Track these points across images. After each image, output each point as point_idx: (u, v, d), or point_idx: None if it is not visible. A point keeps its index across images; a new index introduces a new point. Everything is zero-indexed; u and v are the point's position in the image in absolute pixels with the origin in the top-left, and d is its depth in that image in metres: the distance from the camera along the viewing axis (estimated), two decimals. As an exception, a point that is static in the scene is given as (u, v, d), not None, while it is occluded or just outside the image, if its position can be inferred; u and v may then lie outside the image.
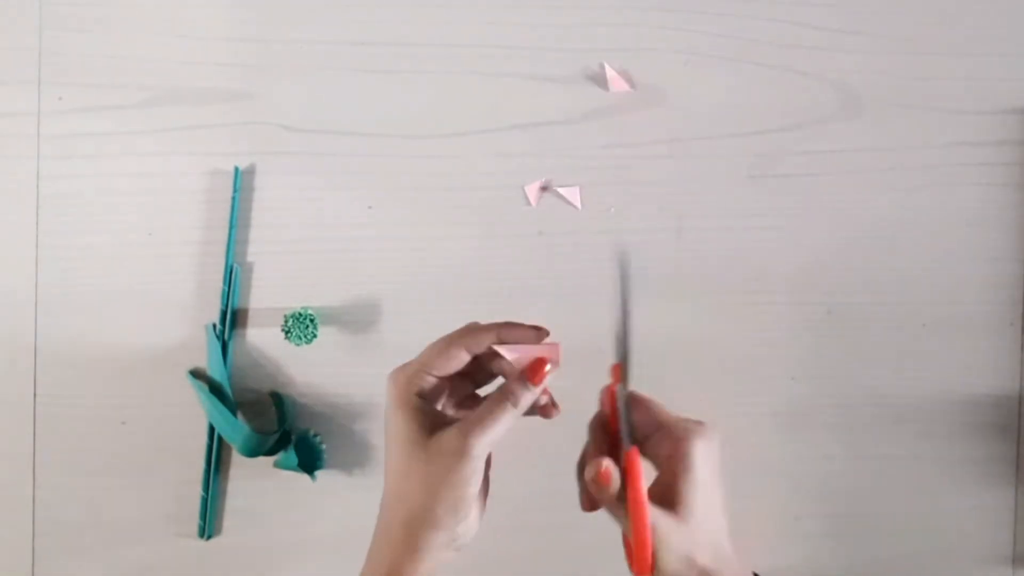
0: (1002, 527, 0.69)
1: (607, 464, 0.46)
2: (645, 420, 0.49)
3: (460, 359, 0.48)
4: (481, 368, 0.50)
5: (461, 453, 0.45)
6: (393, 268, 0.67)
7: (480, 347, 0.48)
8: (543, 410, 0.49)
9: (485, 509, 0.49)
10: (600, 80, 0.67)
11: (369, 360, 0.67)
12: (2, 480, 0.66)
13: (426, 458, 0.46)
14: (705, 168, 0.68)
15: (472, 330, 0.48)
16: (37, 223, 0.66)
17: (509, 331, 0.48)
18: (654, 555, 0.45)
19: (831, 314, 0.68)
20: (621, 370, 0.49)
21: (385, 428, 0.49)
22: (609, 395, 0.50)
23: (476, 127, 0.67)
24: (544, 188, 0.67)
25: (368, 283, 0.67)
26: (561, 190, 0.67)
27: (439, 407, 0.50)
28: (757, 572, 0.52)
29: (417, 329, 0.66)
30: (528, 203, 0.67)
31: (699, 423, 0.49)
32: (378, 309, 0.67)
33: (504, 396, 0.46)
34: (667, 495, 0.47)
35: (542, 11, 0.67)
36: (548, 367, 0.47)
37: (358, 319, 0.67)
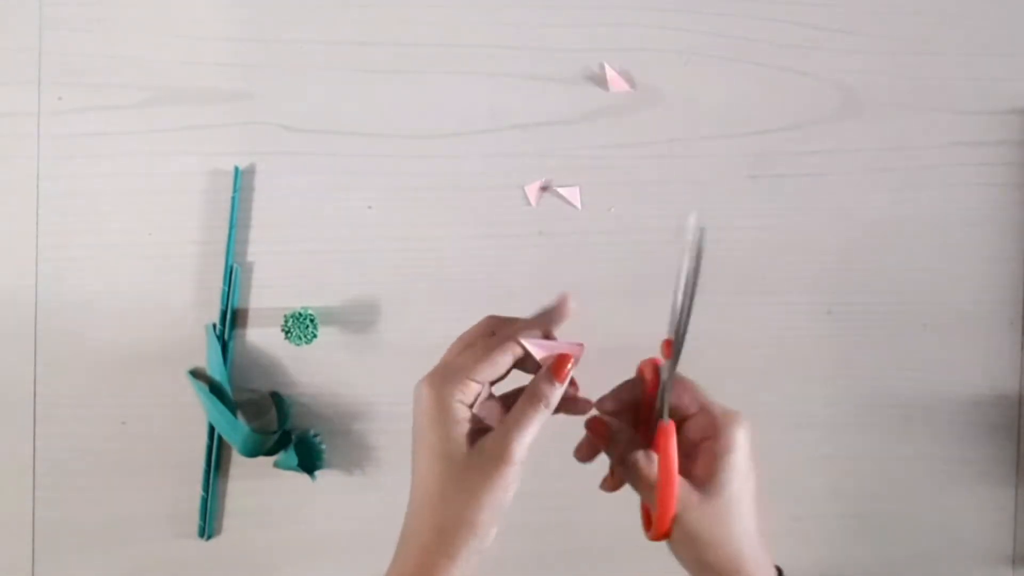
0: (1002, 527, 0.69)
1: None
2: (687, 401, 0.49)
3: (506, 365, 0.47)
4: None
5: (505, 459, 0.45)
6: (393, 268, 0.67)
7: (521, 351, 0.48)
8: (575, 405, 0.49)
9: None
10: (600, 80, 0.67)
11: (369, 360, 0.67)
12: (2, 480, 0.66)
13: (467, 465, 0.45)
14: (705, 168, 0.68)
15: (513, 336, 0.47)
16: (37, 223, 0.66)
17: (547, 323, 0.48)
18: (675, 521, 0.46)
19: (831, 314, 0.68)
20: (672, 346, 0.49)
21: (419, 436, 0.47)
22: (652, 367, 0.50)
23: (476, 127, 0.67)
24: (544, 188, 0.67)
25: (368, 283, 0.67)
26: (561, 190, 0.67)
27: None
28: (779, 566, 0.52)
29: (417, 329, 0.66)
30: (528, 203, 0.67)
31: (740, 413, 0.49)
32: (378, 309, 0.67)
33: (536, 398, 0.46)
34: (702, 474, 0.47)
35: (542, 11, 0.67)
36: (570, 364, 0.47)
37: (358, 319, 0.67)
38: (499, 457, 0.45)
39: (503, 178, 0.67)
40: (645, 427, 0.50)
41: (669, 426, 0.47)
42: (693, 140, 0.68)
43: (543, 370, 0.47)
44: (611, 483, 0.51)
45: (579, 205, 0.67)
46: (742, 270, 0.68)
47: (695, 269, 0.48)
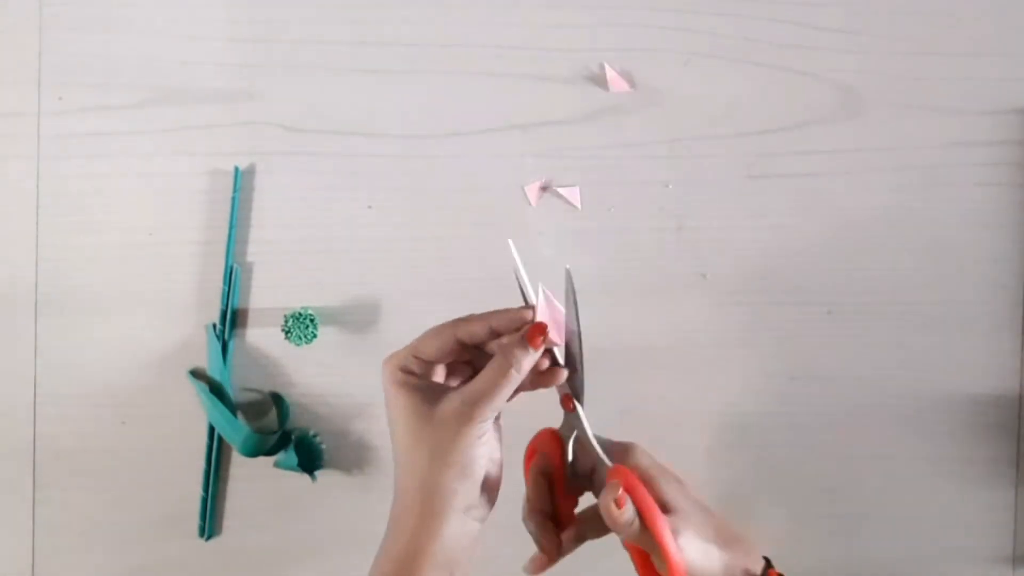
0: (1002, 527, 0.69)
1: (623, 491, 0.47)
2: (580, 458, 0.51)
3: (450, 346, 0.48)
4: (481, 355, 0.50)
5: (466, 416, 0.46)
6: (393, 268, 0.67)
7: (471, 336, 0.48)
8: (546, 376, 0.49)
9: (501, 480, 0.50)
10: (600, 80, 0.67)
11: (369, 360, 0.66)
12: (2, 480, 0.66)
13: (431, 426, 0.46)
14: (705, 168, 0.68)
15: (464, 320, 0.49)
16: (37, 223, 0.66)
17: (499, 317, 0.48)
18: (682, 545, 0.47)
19: (831, 314, 0.68)
20: (571, 398, 0.50)
21: (387, 412, 0.49)
22: (550, 439, 0.51)
23: (476, 127, 0.67)
24: (544, 188, 0.67)
25: (368, 283, 0.67)
26: (561, 190, 0.67)
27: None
28: (767, 557, 0.52)
29: (417, 329, 0.66)
30: (528, 203, 0.67)
31: (621, 443, 0.52)
32: (378, 309, 0.67)
33: (507, 362, 0.47)
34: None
35: (543, 11, 0.67)
36: (544, 336, 0.47)
37: (358, 319, 0.67)
38: (461, 414, 0.46)
39: (503, 178, 0.67)
40: (564, 500, 0.51)
41: (618, 467, 0.49)
42: (693, 140, 0.68)
43: (518, 335, 0.47)
44: (541, 562, 0.51)
45: (579, 205, 0.67)
46: (742, 270, 0.68)
47: (576, 316, 0.49)
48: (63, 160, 0.66)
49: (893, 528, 0.69)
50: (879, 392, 0.68)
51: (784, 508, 0.68)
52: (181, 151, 0.66)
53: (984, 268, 0.69)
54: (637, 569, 0.51)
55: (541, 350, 0.47)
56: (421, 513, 0.46)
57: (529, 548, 0.67)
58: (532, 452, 0.52)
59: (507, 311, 0.49)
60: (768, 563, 0.52)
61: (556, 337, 0.49)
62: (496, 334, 0.48)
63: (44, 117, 0.66)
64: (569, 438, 0.51)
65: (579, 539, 0.51)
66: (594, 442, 0.50)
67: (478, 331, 0.48)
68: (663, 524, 0.46)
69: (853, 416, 0.68)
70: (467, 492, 0.46)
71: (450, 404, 0.46)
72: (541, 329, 0.47)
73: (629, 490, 0.47)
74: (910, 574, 0.69)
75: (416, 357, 0.48)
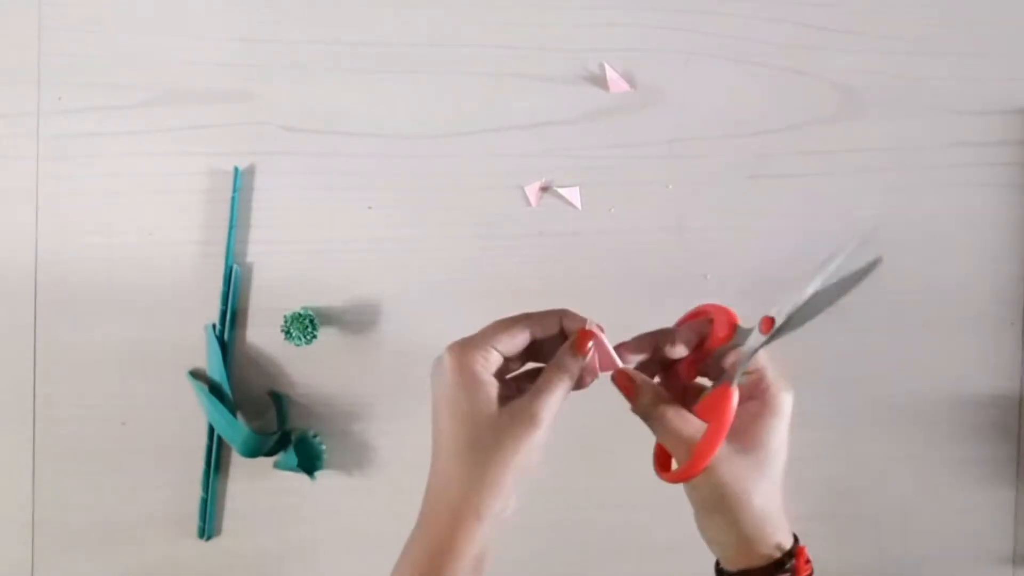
0: (1002, 527, 0.69)
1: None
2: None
3: (523, 340, 0.49)
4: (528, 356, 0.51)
5: (534, 421, 0.46)
6: (393, 268, 0.67)
7: (543, 331, 0.49)
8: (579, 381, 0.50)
9: None
10: (600, 80, 0.67)
11: (369, 360, 0.67)
12: (2, 480, 0.66)
13: (494, 426, 0.46)
14: (705, 168, 0.68)
15: (536, 314, 0.49)
16: (37, 223, 0.66)
17: (569, 318, 0.49)
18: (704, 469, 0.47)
19: (831, 314, 0.68)
20: (773, 324, 0.52)
21: (443, 402, 0.48)
22: (727, 325, 0.52)
23: (476, 127, 0.67)
24: (544, 188, 0.67)
25: (368, 283, 0.67)
26: (561, 190, 0.67)
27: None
28: (796, 534, 0.53)
29: (417, 329, 0.66)
30: (528, 203, 0.67)
31: (790, 382, 0.53)
32: (378, 309, 0.67)
33: (562, 368, 0.48)
34: (739, 430, 0.50)
35: (542, 11, 0.67)
36: (591, 342, 0.48)
37: (358, 319, 0.67)
38: (528, 418, 0.46)
39: (503, 178, 0.67)
40: (666, 374, 0.52)
41: (733, 391, 0.49)
42: (693, 140, 0.68)
43: (567, 343, 0.48)
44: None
45: (579, 205, 0.67)
46: (742, 270, 0.68)
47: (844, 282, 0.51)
48: (63, 160, 0.66)
49: (893, 528, 0.69)
50: (879, 392, 0.68)
51: (784, 508, 0.68)
52: (181, 151, 0.66)
53: (984, 268, 0.69)
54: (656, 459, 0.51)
55: (587, 358, 0.48)
56: (463, 510, 0.46)
57: (530, 547, 0.67)
58: (688, 317, 0.53)
59: (572, 313, 0.50)
60: (796, 540, 0.53)
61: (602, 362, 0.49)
62: (563, 335, 0.49)
63: (44, 117, 0.66)
64: (747, 345, 0.52)
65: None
66: (743, 364, 0.51)
67: (550, 327, 0.49)
68: (718, 446, 0.48)
69: (853, 417, 0.68)
70: (511, 495, 0.46)
71: (521, 406, 0.46)
72: (587, 337, 0.48)
73: (717, 411, 0.48)
74: (910, 574, 0.69)
75: (492, 347, 0.48)
